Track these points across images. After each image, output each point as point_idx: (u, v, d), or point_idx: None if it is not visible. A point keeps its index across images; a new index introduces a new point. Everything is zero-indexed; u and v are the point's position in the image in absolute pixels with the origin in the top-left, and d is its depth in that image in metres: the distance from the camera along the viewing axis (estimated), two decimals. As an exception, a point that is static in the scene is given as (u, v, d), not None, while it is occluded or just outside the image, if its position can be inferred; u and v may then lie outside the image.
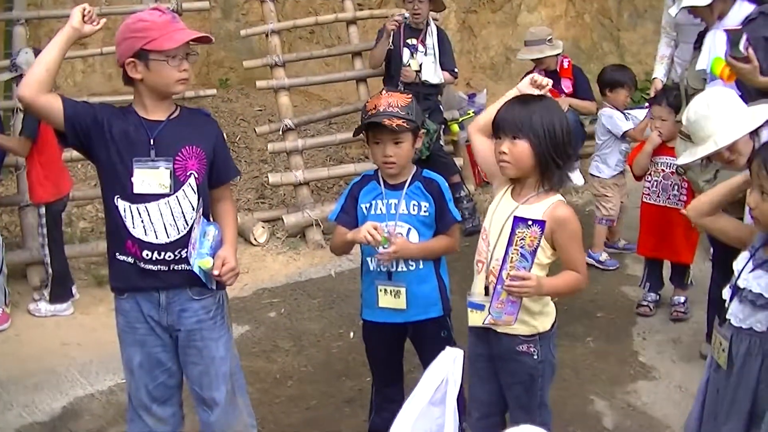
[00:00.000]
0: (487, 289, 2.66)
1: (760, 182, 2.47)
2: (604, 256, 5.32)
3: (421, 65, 5.94)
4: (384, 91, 3.05)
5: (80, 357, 4.42)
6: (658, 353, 4.27)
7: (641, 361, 4.20)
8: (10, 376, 4.20)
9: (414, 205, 3.01)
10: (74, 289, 5.03)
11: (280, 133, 6.21)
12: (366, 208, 3.05)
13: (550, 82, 2.79)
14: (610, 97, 5.41)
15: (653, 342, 4.40)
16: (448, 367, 1.97)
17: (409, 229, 3.00)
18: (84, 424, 3.83)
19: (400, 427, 1.84)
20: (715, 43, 4.06)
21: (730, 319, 2.59)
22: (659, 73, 5.50)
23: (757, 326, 2.52)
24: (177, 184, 2.71)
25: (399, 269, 2.99)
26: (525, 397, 2.78)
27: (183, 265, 2.73)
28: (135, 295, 2.78)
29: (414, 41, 5.97)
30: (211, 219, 2.89)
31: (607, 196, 5.34)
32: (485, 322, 2.67)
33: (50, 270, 4.86)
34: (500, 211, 2.72)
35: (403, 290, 3.00)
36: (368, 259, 3.05)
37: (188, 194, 2.73)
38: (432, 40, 6.01)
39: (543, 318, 2.74)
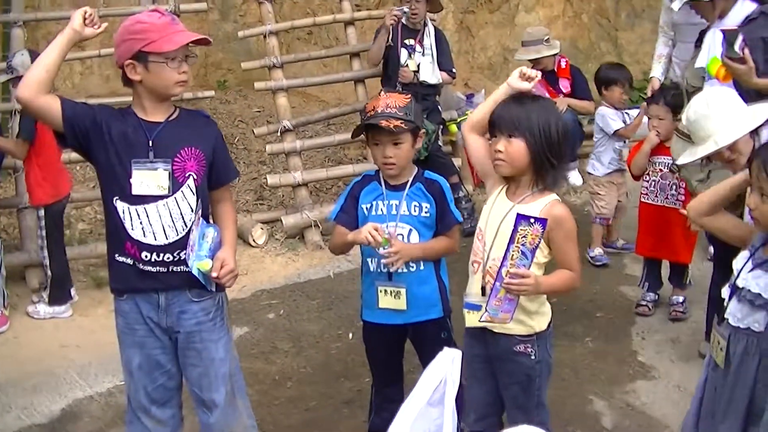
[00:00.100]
0: (483, 289, 2.66)
1: (760, 184, 2.47)
2: (596, 252, 5.33)
3: (418, 66, 5.93)
4: (382, 93, 3.05)
5: (79, 359, 4.41)
6: (657, 353, 4.27)
7: (640, 361, 4.20)
8: (8, 378, 4.20)
9: (415, 206, 3.00)
10: (73, 291, 5.03)
11: (279, 134, 6.20)
12: (367, 208, 3.04)
13: (539, 74, 2.75)
14: (605, 95, 5.44)
15: (652, 342, 4.40)
16: (447, 367, 1.98)
17: (410, 230, 2.99)
18: (83, 426, 3.83)
19: (398, 427, 1.84)
20: (715, 42, 4.06)
21: (728, 319, 2.60)
22: (657, 72, 5.50)
23: (754, 326, 2.52)
24: (175, 185, 2.71)
25: (399, 270, 2.98)
26: (523, 397, 2.78)
27: (182, 267, 2.73)
28: (134, 297, 2.78)
29: (411, 41, 5.96)
30: (211, 220, 2.89)
31: (599, 194, 5.36)
32: (482, 320, 2.67)
33: (49, 272, 4.85)
34: (496, 210, 2.72)
35: (403, 291, 2.99)
36: (368, 259, 3.04)
37: (187, 196, 2.73)
38: (429, 40, 6.00)
39: (539, 318, 2.75)
